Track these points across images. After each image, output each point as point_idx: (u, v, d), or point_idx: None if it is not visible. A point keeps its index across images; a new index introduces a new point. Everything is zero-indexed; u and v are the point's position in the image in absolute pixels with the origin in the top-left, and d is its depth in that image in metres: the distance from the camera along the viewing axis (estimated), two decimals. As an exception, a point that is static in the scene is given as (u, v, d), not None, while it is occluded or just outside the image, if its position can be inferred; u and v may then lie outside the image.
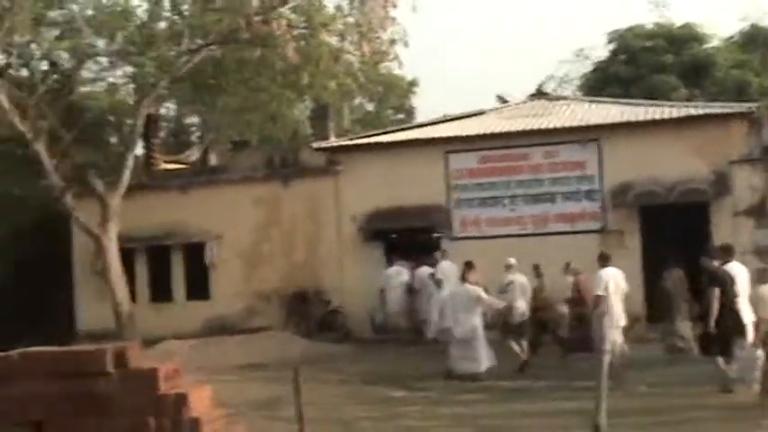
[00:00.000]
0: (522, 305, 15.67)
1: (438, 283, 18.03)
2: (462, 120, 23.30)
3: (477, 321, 14.93)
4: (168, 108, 30.03)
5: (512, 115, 22.96)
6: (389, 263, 20.97)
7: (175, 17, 20.87)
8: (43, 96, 20.36)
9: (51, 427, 5.82)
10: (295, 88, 21.11)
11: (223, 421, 6.36)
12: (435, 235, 21.04)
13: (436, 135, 21.75)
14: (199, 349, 18.82)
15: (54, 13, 20.59)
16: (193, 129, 35.37)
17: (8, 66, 20.58)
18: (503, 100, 29.29)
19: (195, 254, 22.76)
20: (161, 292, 23.07)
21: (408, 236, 21.15)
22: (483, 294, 15.02)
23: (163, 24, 20.93)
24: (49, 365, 5.98)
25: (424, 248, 20.30)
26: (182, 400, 6.01)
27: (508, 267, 16.00)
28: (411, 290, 20.19)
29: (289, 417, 9.35)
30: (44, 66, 21.38)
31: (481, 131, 21.34)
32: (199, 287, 22.77)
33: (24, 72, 21.40)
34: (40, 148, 20.04)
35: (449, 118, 24.18)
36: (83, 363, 5.88)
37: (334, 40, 20.04)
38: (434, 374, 14.90)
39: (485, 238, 20.63)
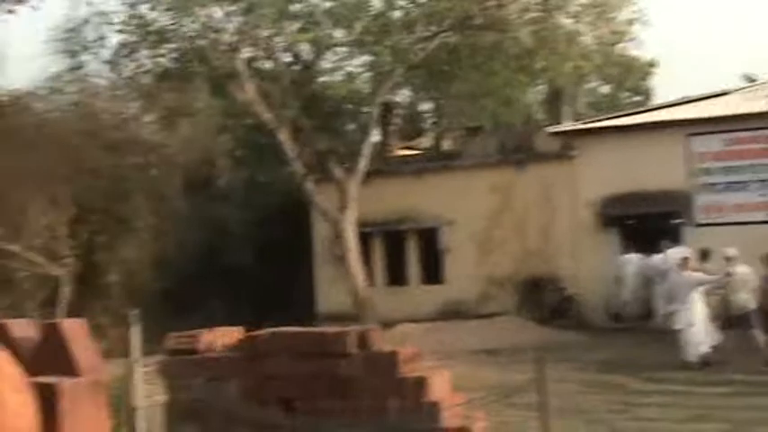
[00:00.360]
0: (742, 297, 14.87)
1: (664, 273, 17.49)
2: (705, 101, 22.21)
3: (698, 309, 14.52)
4: (403, 95, 30.54)
5: (759, 96, 21.63)
6: (626, 250, 20.38)
7: (410, 5, 21.16)
8: (286, 87, 21.24)
9: (300, 406, 6.00)
10: (529, 72, 20.88)
11: (462, 406, 6.34)
12: (676, 221, 20.22)
13: (677, 117, 20.85)
14: (433, 333, 19.04)
15: (295, 7, 21.42)
16: (427, 115, 35.75)
17: (254, 59, 21.64)
18: (750, 79, 27.65)
19: (429, 239, 23.05)
20: (396, 275, 23.55)
21: (646, 222, 20.44)
22: (700, 275, 14.63)
23: (398, 13, 21.29)
24: (297, 345, 6.18)
25: (663, 235, 19.55)
26: (422, 383, 6.04)
27: (729, 259, 15.24)
28: (645, 278, 19.62)
29: (526, 404, 9.25)
30: (287, 57, 22.29)
31: (727, 113, 20.24)
32: (433, 271, 23.07)
33: (269, 64, 22.42)
34: (284, 136, 20.93)
35: (690, 99, 23.12)
36: (327, 344, 6.03)
37: (569, 22, 19.64)
38: (671, 364, 14.35)
39: (730, 225, 19.59)
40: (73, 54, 21.52)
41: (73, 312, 18.46)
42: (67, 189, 21.92)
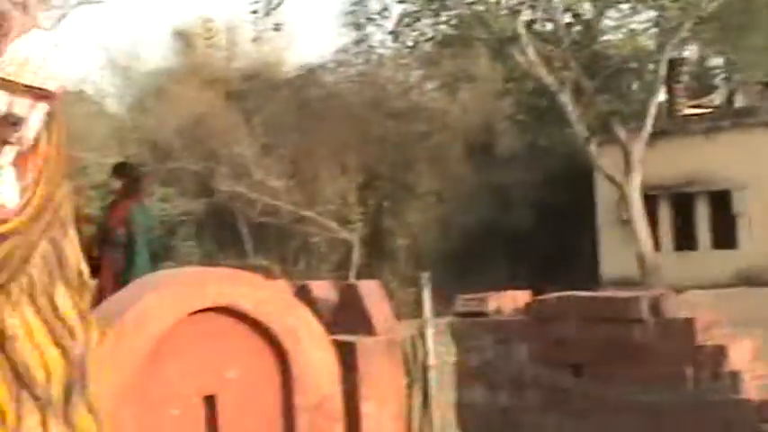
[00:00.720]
0: None
1: None
2: None
3: None
4: (691, 50, 29.13)
5: None
6: None
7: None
8: (567, 48, 20.86)
9: (590, 371, 5.90)
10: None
11: (765, 378, 5.96)
12: None
13: None
14: (726, 300, 18.05)
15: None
16: (717, 70, 33.88)
17: (533, 21, 21.43)
18: None
19: (721, 201, 21.90)
20: (684, 240, 22.62)
21: None
22: None
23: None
24: (585, 310, 6.06)
25: None
26: (720, 351, 5.73)
27: None
28: None
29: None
30: (567, 18, 21.87)
31: None
32: (725, 236, 21.91)
33: (548, 26, 22.11)
34: (565, 98, 20.60)
35: None
36: (618, 309, 5.87)
37: None
38: None
39: None
40: (358, 26, 22.31)
41: (362, 275, 19.36)
42: (356, 157, 22.93)
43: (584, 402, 5.88)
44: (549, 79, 20.44)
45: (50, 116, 1.67)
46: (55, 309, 1.80)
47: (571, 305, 6.11)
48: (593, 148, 20.97)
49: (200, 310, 4.19)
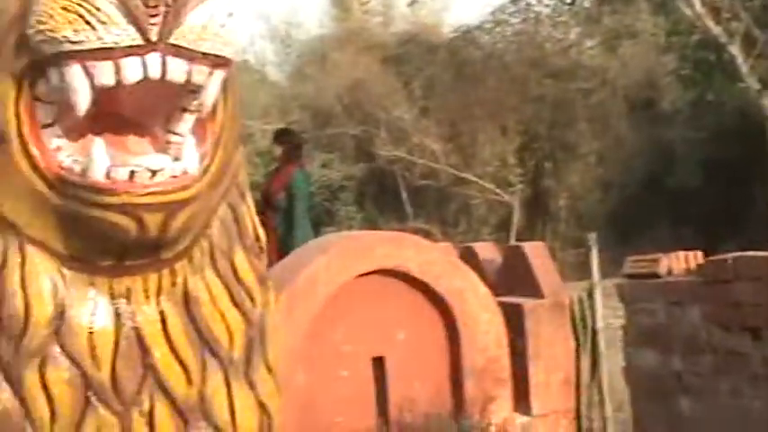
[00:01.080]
0: None
1: None
2: None
3: None
4: None
5: None
6: None
7: None
8: (737, -3, 19.92)
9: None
10: None
11: None
12: None
13: None
14: None
15: None
16: None
17: (700, -29, 20.53)
18: None
19: None
20: None
21: None
22: None
23: None
24: (763, 271, 5.77)
25: None
26: None
27: None
28: None
29: None
30: (736, -35, 20.86)
31: None
32: None
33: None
34: (735, 50, 19.69)
35: None
36: (800, 270, 5.55)
37: None
38: None
39: None
40: (515, -15, 21.99)
41: (523, 237, 19.18)
42: (514, 118, 22.68)
43: (763, 367, 5.63)
44: (717, 31, 19.58)
45: (226, 83, 1.69)
46: (235, 272, 1.84)
47: (748, 266, 5.83)
48: (766, 101, 20.01)
49: (367, 273, 4.24)
